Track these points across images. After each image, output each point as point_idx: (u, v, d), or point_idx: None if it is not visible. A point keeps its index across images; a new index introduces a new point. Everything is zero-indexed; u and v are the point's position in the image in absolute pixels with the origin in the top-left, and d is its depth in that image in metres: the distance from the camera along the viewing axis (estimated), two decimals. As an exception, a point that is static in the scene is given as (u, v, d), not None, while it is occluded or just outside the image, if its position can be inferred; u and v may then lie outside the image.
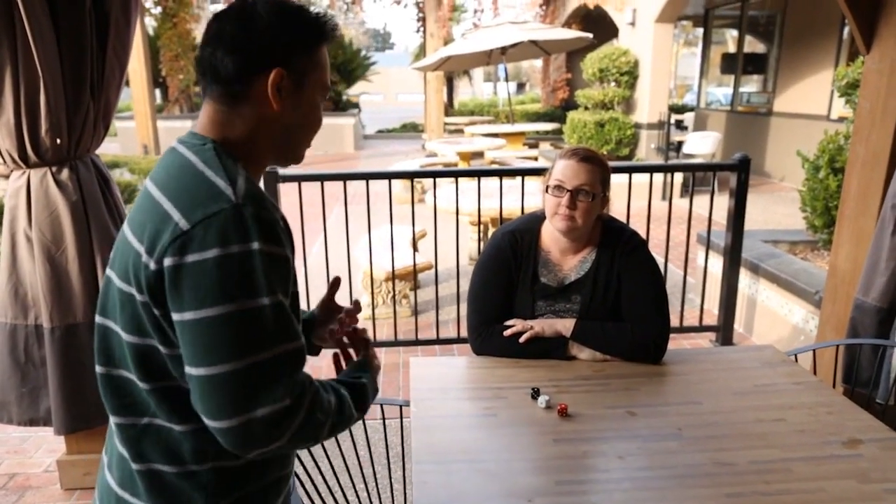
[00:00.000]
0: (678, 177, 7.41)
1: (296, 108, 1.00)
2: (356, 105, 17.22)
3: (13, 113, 2.06)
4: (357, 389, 1.08)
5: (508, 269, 1.83)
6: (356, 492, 1.71)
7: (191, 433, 0.94)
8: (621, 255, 1.79)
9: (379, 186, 3.32)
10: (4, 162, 2.17)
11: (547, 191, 1.75)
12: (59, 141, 2.12)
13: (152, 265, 0.88)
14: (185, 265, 0.85)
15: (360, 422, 1.61)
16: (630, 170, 3.42)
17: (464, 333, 3.59)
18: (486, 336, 1.79)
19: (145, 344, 0.92)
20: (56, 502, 2.39)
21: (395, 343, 3.61)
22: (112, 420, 1.00)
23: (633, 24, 9.40)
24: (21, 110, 2.06)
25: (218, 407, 0.86)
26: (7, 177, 5.77)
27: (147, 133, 11.43)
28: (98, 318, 1.01)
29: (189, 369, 0.88)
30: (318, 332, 1.32)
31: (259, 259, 0.86)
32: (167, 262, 0.86)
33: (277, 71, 0.95)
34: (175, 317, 0.87)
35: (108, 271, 0.99)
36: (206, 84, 0.98)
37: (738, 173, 3.33)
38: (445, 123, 13.88)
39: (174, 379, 0.93)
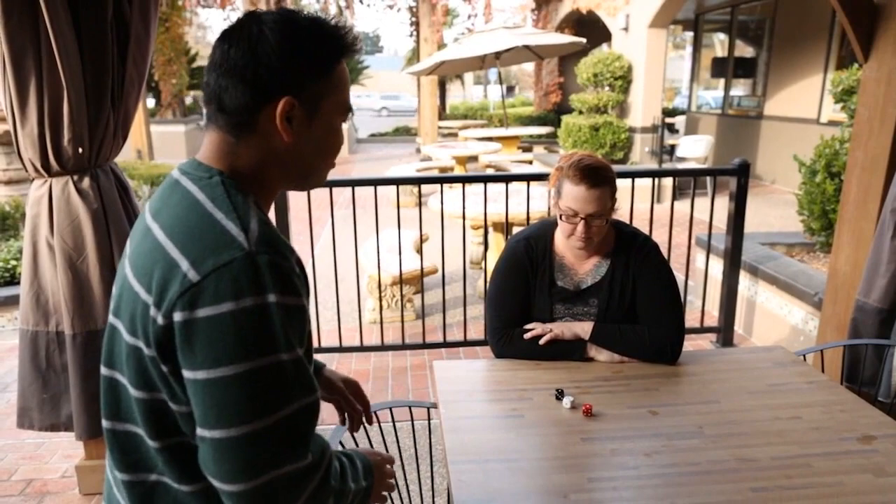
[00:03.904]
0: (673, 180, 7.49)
1: (310, 137, 0.92)
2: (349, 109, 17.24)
3: (37, 123, 2.09)
4: (356, 471, 1.01)
5: (525, 274, 1.88)
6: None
7: (200, 493, 0.89)
8: (636, 260, 1.85)
9: (379, 191, 3.37)
10: (27, 170, 2.20)
11: (561, 217, 1.77)
12: (80, 150, 2.15)
13: (160, 319, 0.81)
14: (196, 320, 0.79)
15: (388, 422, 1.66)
16: (633, 175, 3.49)
17: (470, 336, 3.67)
18: (506, 339, 1.84)
19: (154, 399, 0.86)
20: (75, 507, 2.42)
21: (403, 346, 3.65)
22: (118, 476, 0.93)
23: (626, 29, 9.50)
24: (44, 120, 2.09)
25: (233, 470, 0.80)
26: (8, 183, 5.73)
27: (141, 138, 11.40)
28: (104, 370, 0.94)
29: (202, 431, 0.81)
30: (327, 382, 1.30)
31: (276, 312, 0.80)
32: (177, 316, 0.80)
33: (286, 101, 0.87)
34: (187, 374, 0.81)
35: (113, 319, 0.92)
36: (210, 111, 0.91)
37: (737, 178, 3.41)
38: (439, 127, 13.94)
39: (185, 436, 0.87)
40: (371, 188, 3.45)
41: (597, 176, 1.72)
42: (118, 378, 0.91)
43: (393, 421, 1.66)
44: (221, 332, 0.79)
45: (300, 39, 0.88)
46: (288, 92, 0.87)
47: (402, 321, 3.71)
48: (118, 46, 2.15)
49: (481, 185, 3.62)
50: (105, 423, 0.94)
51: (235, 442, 0.80)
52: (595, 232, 1.76)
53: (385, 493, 1.13)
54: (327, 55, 0.90)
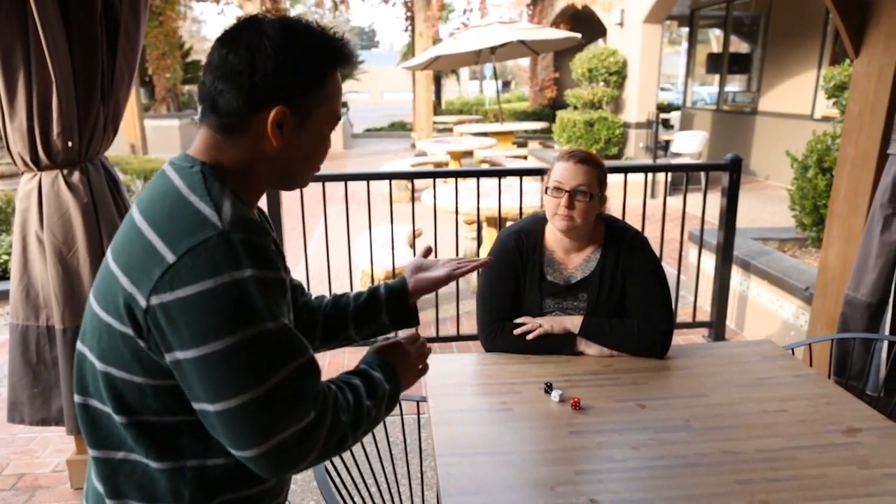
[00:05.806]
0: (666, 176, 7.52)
1: (298, 144, 0.94)
2: (345, 104, 17.23)
3: (26, 117, 2.08)
4: (371, 382, 1.02)
5: (515, 268, 1.89)
6: (358, 490, 1.75)
7: (168, 472, 0.91)
8: (625, 255, 1.86)
9: (373, 186, 3.37)
10: (16, 164, 2.19)
11: (546, 192, 1.82)
12: (70, 144, 2.14)
13: (142, 302, 0.83)
14: (177, 301, 0.81)
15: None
16: (626, 170, 3.49)
17: (463, 331, 3.67)
18: (496, 333, 1.85)
19: (121, 376, 0.88)
20: (67, 502, 2.41)
21: (396, 341, 3.65)
22: (90, 453, 0.96)
23: (621, 24, 9.51)
24: (33, 114, 2.08)
25: (244, 437, 0.84)
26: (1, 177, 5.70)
27: (134, 132, 11.36)
28: (78, 345, 0.96)
29: (203, 406, 0.84)
30: (415, 286, 1.41)
31: (254, 285, 0.83)
32: (158, 299, 0.82)
33: (278, 109, 0.90)
34: (178, 355, 0.83)
35: (91, 297, 0.94)
36: (203, 110, 0.93)
37: (730, 173, 3.42)
38: (434, 122, 13.92)
39: (150, 413, 0.89)
40: (364, 183, 3.45)
41: (586, 156, 1.81)
42: (86, 353, 0.94)
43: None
44: (204, 309, 0.81)
45: (298, 51, 0.90)
46: (281, 101, 0.90)
47: (395, 316, 3.70)
48: (108, 39, 2.14)
49: (474, 180, 3.62)
50: (76, 398, 0.96)
51: (237, 412, 0.83)
52: (579, 212, 1.76)
53: (423, 366, 1.18)
54: (322, 67, 0.92)
